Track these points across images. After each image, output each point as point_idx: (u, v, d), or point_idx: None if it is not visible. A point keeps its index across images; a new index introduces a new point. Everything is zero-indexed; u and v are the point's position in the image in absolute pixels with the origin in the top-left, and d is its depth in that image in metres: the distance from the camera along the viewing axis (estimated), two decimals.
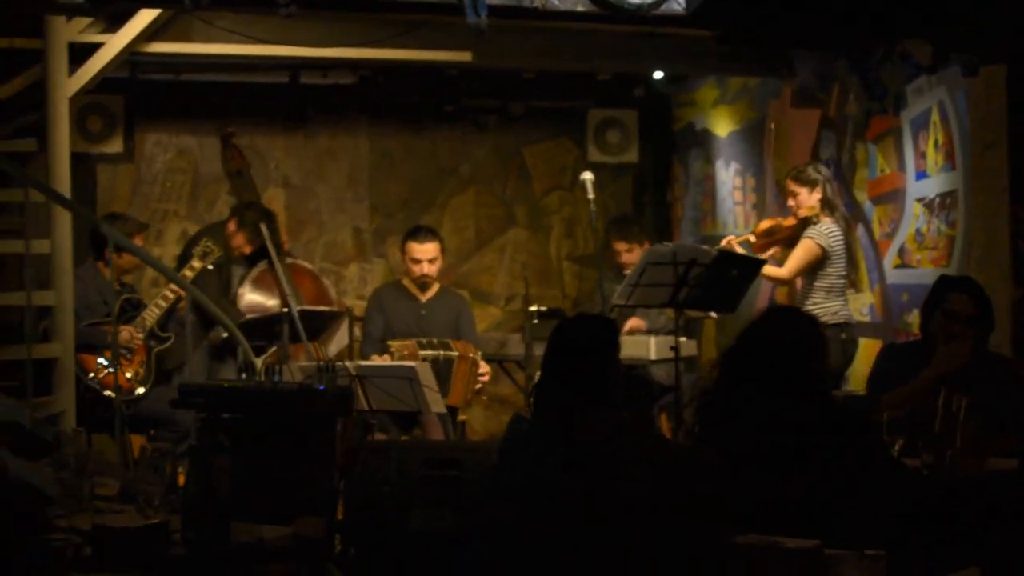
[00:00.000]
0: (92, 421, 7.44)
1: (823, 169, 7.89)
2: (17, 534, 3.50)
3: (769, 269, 7.76)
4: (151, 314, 8.02)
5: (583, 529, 4.42)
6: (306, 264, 9.59)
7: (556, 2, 6.54)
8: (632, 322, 8.92)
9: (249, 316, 8.03)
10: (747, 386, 4.36)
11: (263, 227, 8.17)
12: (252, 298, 8.69)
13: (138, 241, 8.19)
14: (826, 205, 7.73)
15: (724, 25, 7.18)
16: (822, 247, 7.58)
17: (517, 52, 8.85)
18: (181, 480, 4.60)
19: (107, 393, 7.55)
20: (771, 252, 7.99)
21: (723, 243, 7.87)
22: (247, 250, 8.81)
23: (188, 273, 8.04)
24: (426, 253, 8.50)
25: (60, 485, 4.24)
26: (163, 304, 8.04)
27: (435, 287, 8.64)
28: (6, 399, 6.73)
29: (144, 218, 9.58)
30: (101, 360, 7.74)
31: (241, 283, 8.87)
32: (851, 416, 4.42)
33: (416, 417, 7.79)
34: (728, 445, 4.26)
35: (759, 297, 9.24)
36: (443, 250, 8.67)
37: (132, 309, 8.04)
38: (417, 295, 8.59)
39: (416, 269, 8.51)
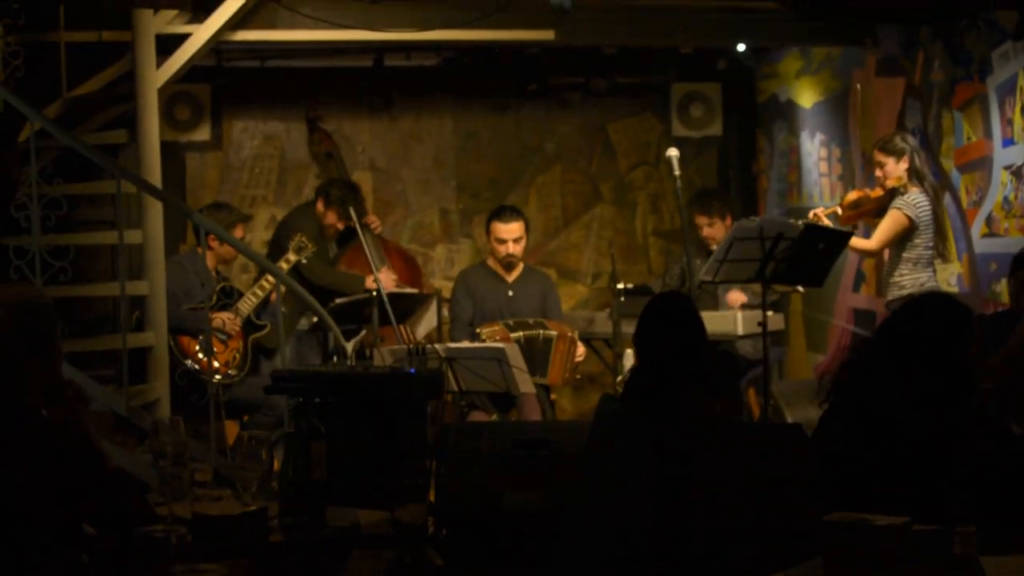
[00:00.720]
0: (187, 408, 7.57)
1: (910, 139, 7.83)
2: (122, 523, 3.58)
3: (856, 241, 7.73)
4: (248, 303, 8.14)
5: (673, 510, 4.45)
6: (396, 244, 9.69)
7: None
8: (734, 295, 8.85)
9: (338, 301, 8.11)
10: (889, 365, 4.33)
11: (347, 203, 8.28)
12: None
13: (239, 231, 8.31)
14: (914, 175, 7.68)
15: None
16: (910, 218, 7.53)
17: (599, 29, 8.88)
18: (276, 466, 4.66)
19: (204, 376, 7.68)
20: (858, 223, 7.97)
21: (810, 215, 7.85)
22: (340, 226, 8.93)
23: (283, 265, 8.15)
24: (511, 233, 8.54)
25: (159, 473, 4.30)
26: (260, 293, 8.16)
27: (520, 267, 8.69)
28: (103, 388, 6.88)
29: (232, 204, 9.68)
30: (200, 344, 7.87)
31: (336, 260, 8.99)
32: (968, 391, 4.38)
33: (514, 398, 7.84)
34: (854, 420, 4.25)
35: (845, 270, 9.20)
36: (528, 229, 8.71)
37: (227, 297, 8.16)
38: (503, 276, 8.64)
39: (501, 249, 8.55)
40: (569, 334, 8.33)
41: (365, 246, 8.27)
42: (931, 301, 4.70)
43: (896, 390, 4.20)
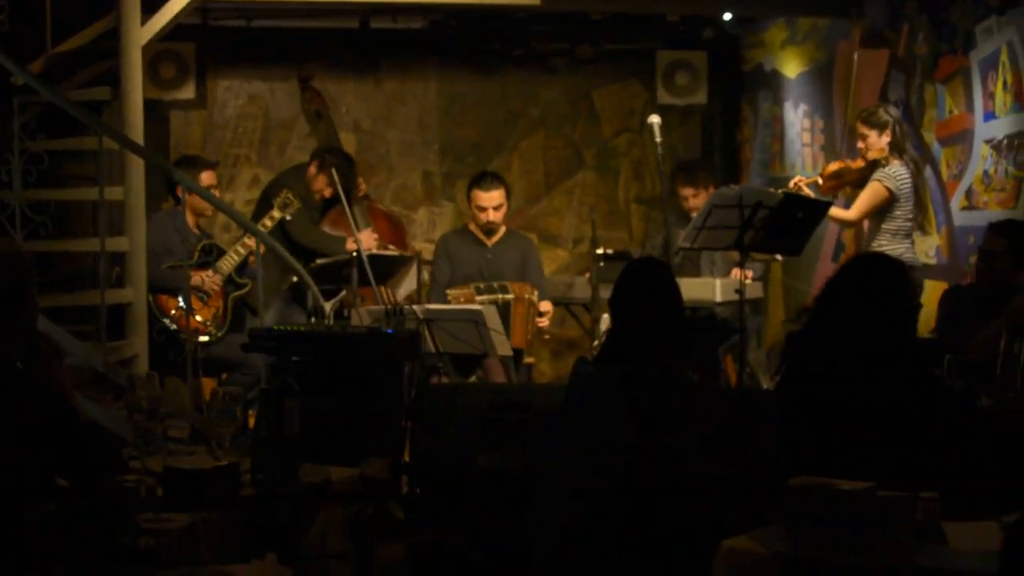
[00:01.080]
0: (165, 365, 7.58)
1: (893, 111, 7.85)
2: (93, 475, 3.61)
3: (836, 211, 7.76)
4: (229, 261, 8.14)
5: (645, 471, 4.49)
6: (382, 207, 9.69)
7: None
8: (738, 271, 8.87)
9: (319, 261, 8.13)
10: (833, 329, 4.38)
11: (334, 172, 8.25)
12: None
13: (207, 177, 8.30)
14: (895, 147, 7.70)
15: None
16: (890, 190, 7.56)
17: None
18: (251, 423, 4.69)
19: (181, 335, 7.70)
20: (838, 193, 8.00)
21: (791, 184, 7.87)
22: (327, 193, 8.92)
23: (268, 223, 8.16)
24: (491, 200, 8.55)
25: (133, 427, 4.34)
26: (241, 251, 8.16)
27: (501, 231, 8.69)
28: (81, 343, 6.88)
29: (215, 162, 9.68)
30: (180, 303, 7.88)
31: (318, 224, 9.00)
32: (924, 357, 4.45)
33: (478, 360, 7.86)
34: (811, 388, 4.30)
35: (826, 239, 9.23)
36: (509, 196, 8.71)
37: (209, 255, 8.16)
38: (483, 240, 8.65)
39: (482, 216, 8.57)
40: (527, 295, 8.35)
41: (351, 220, 8.27)
42: (863, 260, 4.78)
43: (840, 350, 4.26)
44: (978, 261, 6.04)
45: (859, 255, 5.39)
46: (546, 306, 8.50)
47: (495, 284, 8.36)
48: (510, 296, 8.28)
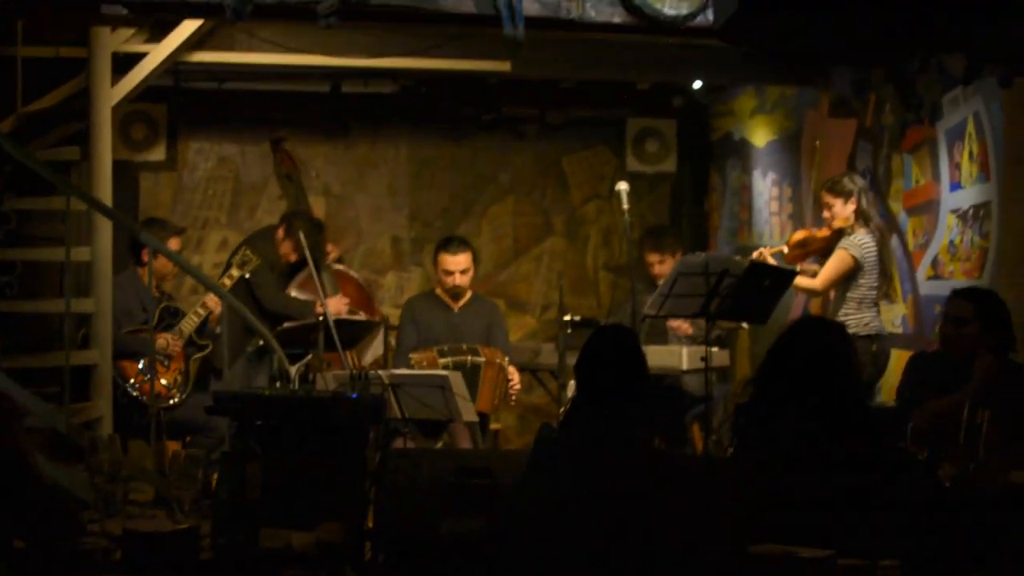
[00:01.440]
0: (130, 427, 7.55)
1: (858, 179, 7.89)
2: (49, 537, 3.58)
3: (801, 280, 7.79)
4: (189, 322, 8.12)
5: (608, 539, 4.47)
6: (352, 272, 9.68)
7: (592, 14, 6.58)
8: (676, 321, 8.86)
9: (286, 325, 8.11)
10: (779, 398, 4.40)
11: (301, 236, 8.24)
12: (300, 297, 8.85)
13: (175, 244, 8.30)
14: (860, 216, 7.74)
15: (756, 38, 7.22)
16: (855, 258, 7.59)
17: (555, 62, 8.89)
18: (214, 486, 4.66)
19: (145, 400, 7.66)
20: (805, 264, 8.02)
21: (755, 254, 7.90)
22: (293, 258, 8.91)
23: (227, 281, 8.14)
24: (458, 264, 8.56)
25: (95, 490, 4.31)
26: (201, 312, 8.15)
27: (467, 295, 8.70)
28: (44, 404, 6.84)
29: (185, 225, 9.66)
30: (141, 367, 7.85)
31: (286, 288, 8.97)
32: (880, 424, 4.46)
33: (444, 425, 7.84)
34: (762, 457, 4.31)
35: (793, 307, 9.26)
36: (476, 260, 8.73)
37: (171, 317, 8.14)
38: (449, 304, 8.65)
39: (448, 280, 8.57)
40: (498, 360, 8.33)
41: (318, 285, 8.26)
42: (799, 327, 4.80)
43: (787, 417, 4.27)
44: (944, 327, 6.06)
45: (796, 321, 5.41)
46: (515, 374, 8.49)
47: (463, 346, 8.35)
48: (480, 359, 8.27)
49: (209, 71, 9.46)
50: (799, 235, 8.02)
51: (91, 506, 4.40)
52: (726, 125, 10.76)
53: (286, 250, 8.92)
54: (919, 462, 4.78)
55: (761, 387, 4.56)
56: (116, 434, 4.77)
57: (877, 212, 7.90)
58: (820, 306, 8.44)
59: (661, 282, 8.46)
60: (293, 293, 8.91)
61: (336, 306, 8.42)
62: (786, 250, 7.97)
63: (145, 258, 7.84)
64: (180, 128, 10.42)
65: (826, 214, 7.83)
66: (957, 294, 6.10)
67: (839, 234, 7.72)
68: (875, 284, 7.65)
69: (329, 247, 9.50)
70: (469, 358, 8.24)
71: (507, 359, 8.45)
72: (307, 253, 8.06)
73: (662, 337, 8.97)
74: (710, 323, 7.37)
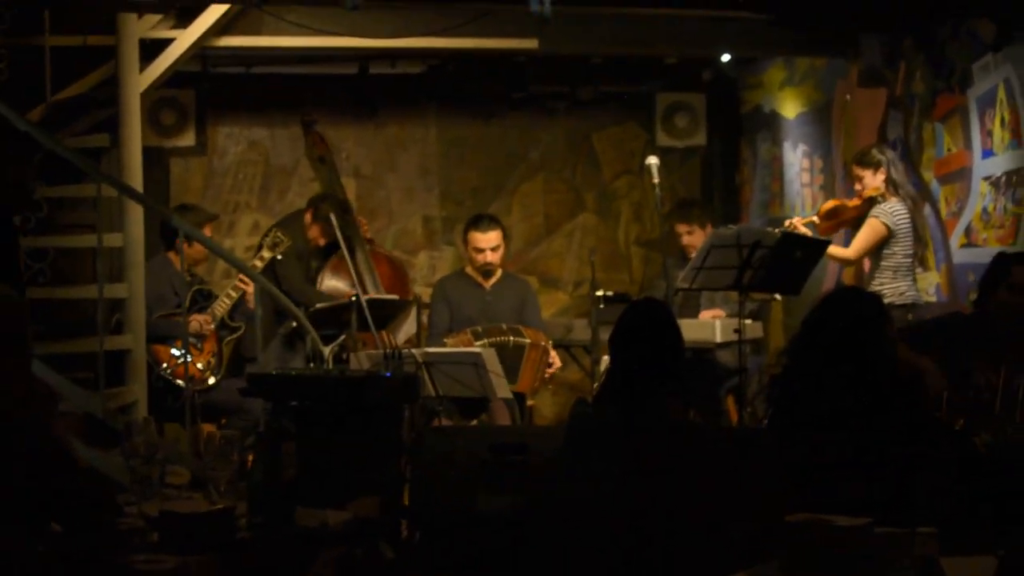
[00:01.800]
0: (164, 411, 7.58)
1: (887, 150, 7.86)
2: (87, 521, 3.60)
3: (834, 249, 7.77)
4: (221, 305, 8.15)
5: (643, 512, 4.47)
6: (385, 251, 9.69)
7: None
8: (709, 313, 8.86)
9: (319, 305, 8.12)
10: (813, 369, 4.39)
11: (333, 218, 8.23)
12: (331, 284, 8.82)
13: (208, 231, 8.32)
14: (891, 185, 7.71)
15: (785, 7, 7.20)
16: (887, 226, 7.56)
17: (583, 38, 8.89)
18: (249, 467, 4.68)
19: (179, 383, 7.69)
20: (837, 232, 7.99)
21: (787, 224, 7.88)
22: (321, 242, 8.92)
23: (257, 263, 8.16)
24: (488, 242, 8.55)
25: (131, 473, 4.32)
26: (233, 295, 8.17)
27: (498, 273, 8.70)
28: (79, 390, 6.87)
29: (216, 210, 9.70)
30: (174, 351, 7.88)
31: (319, 271, 8.99)
32: (914, 392, 4.44)
33: (483, 404, 7.84)
34: (797, 428, 4.30)
35: (826, 278, 9.23)
36: (506, 237, 8.73)
37: (203, 300, 8.16)
38: (481, 283, 8.65)
39: (479, 258, 8.56)
40: (543, 343, 8.32)
41: (351, 266, 8.27)
42: (836, 296, 4.78)
43: (822, 388, 4.25)
44: (1001, 293, 5.89)
45: (831, 291, 5.37)
46: (555, 356, 8.47)
47: (503, 326, 8.34)
48: (525, 340, 8.24)
49: (236, 55, 9.47)
50: (830, 204, 7.99)
51: (127, 489, 4.41)
52: (756, 98, 10.72)
53: (315, 234, 8.93)
54: (954, 430, 4.75)
55: (795, 358, 4.54)
56: (151, 417, 4.78)
57: (908, 180, 7.86)
58: (855, 276, 8.41)
59: (691, 254, 8.49)
60: (327, 277, 8.91)
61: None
62: (817, 220, 7.94)
63: (177, 243, 7.87)
64: (209, 113, 10.43)
65: (857, 186, 7.81)
66: (1022, 261, 5.94)
67: (871, 203, 7.69)
68: (910, 252, 7.62)
69: (361, 220, 9.51)
70: (511, 338, 8.23)
71: (550, 341, 8.43)
72: (338, 235, 8.05)
73: (695, 311, 8.96)
74: (743, 295, 7.34)
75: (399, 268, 9.54)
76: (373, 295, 8.45)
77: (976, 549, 3.59)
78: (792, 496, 4.05)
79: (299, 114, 9.80)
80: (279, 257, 8.35)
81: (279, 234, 8.33)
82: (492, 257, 8.56)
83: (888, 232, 7.56)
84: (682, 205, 9.53)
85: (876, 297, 4.67)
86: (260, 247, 8.39)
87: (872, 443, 4.11)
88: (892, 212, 7.58)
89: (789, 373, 4.56)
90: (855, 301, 4.59)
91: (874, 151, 7.78)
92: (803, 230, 7.79)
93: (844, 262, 8.15)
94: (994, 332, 5.67)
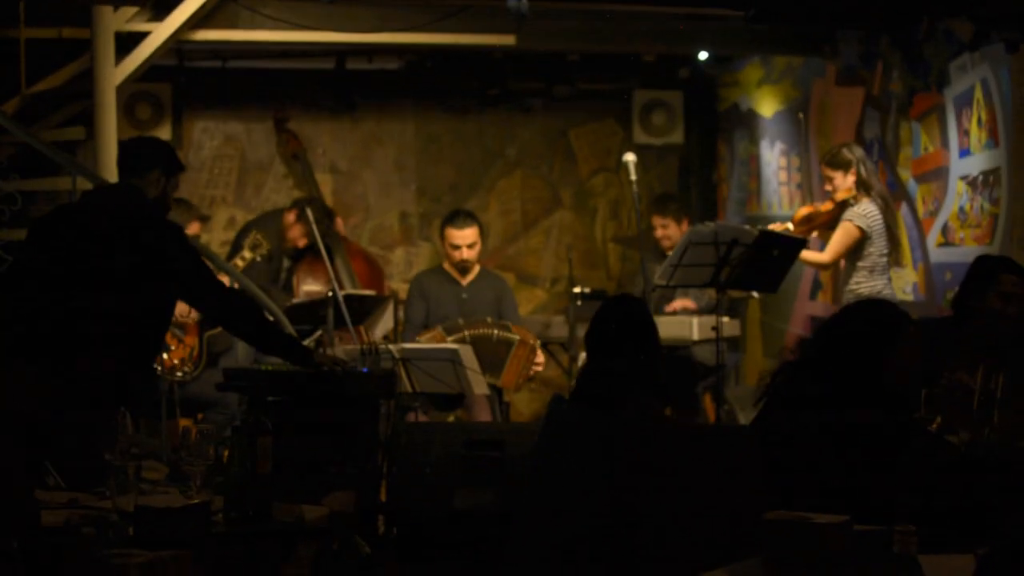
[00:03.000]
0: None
1: (856, 149, 7.84)
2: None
3: (809, 254, 7.76)
4: None
5: (619, 508, 4.46)
6: (360, 247, 9.68)
7: None
8: (679, 303, 8.91)
9: (295, 301, 8.11)
10: (816, 366, 4.38)
11: (313, 224, 8.21)
12: (308, 288, 8.83)
13: (195, 228, 8.30)
14: (861, 185, 7.70)
15: (762, 4, 7.20)
16: (861, 228, 7.56)
17: (560, 35, 8.88)
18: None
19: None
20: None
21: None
22: (301, 244, 8.92)
23: (239, 263, 8.15)
24: (465, 239, 8.54)
25: (107, 467, 4.30)
26: None
27: (475, 270, 8.68)
28: None
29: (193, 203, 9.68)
30: None
31: (292, 273, 8.97)
32: (893, 393, 4.43)
33: (460, 399, 7.83)
34: (785, 424, 4.29)
35: (803, 278, 9.25)
36: (483, 234, 8.72)
37: None
38: (458, 279, 8.63)
39: (455, 255, 8.55)
40: (531, 342, 8.31)
41: (328, 265, 8.25)
42: (865, 306, 4.76)
43: (825, 391, 4.24)
44: (991, 300, 5.85)
45: (861, 302, 5.32)
46: (541, 356, 8.45)
47: (488, 319, 8.32)
48: (515, 337, 8.22)
49: (213, 50, 9.45)
50: (804, 211, 7.99)
51: (102, 484, 4.39)
52: (733, 96, 10.74)
53: (295, 235, 8.94)
54: (931, 430, 4.74)
55: (806, 353, 4.52)
56: (126, 411, 4.76)
57: (879, 180, 7.86)
58: (831, 276, 8.42)
59: (666, 244, 8.52)
60: (303, 278, 8.92)
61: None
62: (792, 227, 7.94)
63: None
64: (185, 107, 10.40)
65: (828, 187, 7.80)
66: (1010, 269, 5.89)
67: (843, 206, 7.68)
68: (885, 251, 7.62)
69: (338, 220, 9.50)
70: (495, 332, 8.21)
71: (539, 341, 8.41)
72: (318, 240, 8.03)
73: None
74: (720, 293, 7.35)
75: (375, 265, 9.53)
76: (350, 290, 8.44)
77: (955, 547, 3.59)
78: (772, 493, 4.05)
79: (275, 109, 9.80)
80: (258, 259, 8.35)
81: (259, 236, 8.31)
82: (468, 254, 8.54)
83: (862, 235, 7.55)
84: (659, 199, 9.57)
85: (901, 313, 4.61)
86: (240, 247, 8.36)
87: (851, 440, 4.11)
88: (865, 215, 7.57)
89: (792, 366, 4.54)
90: (877, 312, 4.55)
91: (844, 151, 7.75)
92: None
93: (820, 267, 8.17)
94: (972, 334, 5.67)
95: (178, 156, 5.82)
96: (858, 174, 7.67)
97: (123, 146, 5.96)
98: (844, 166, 7.69)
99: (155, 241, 5.44)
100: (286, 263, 9.15)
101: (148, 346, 5.63)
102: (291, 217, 9.00)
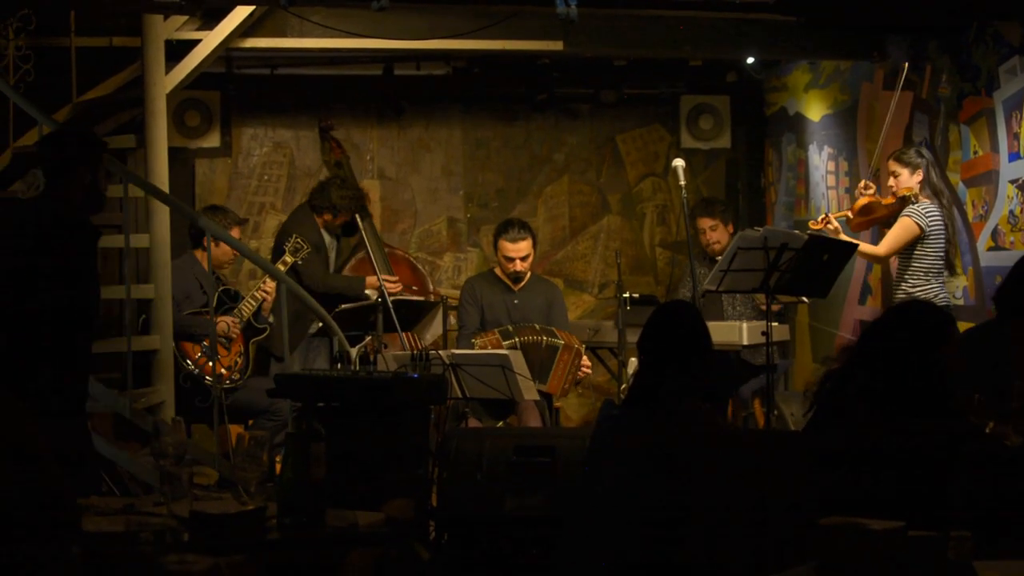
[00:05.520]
0: (191, 411, 7.59)
1: (926, 153, 7.85)
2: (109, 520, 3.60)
3: (865, 246, 7.76)
4: (248, 306, 8.16)
5: (671, 514, 4.46)
6: (402, 252, 9.70)
7: None
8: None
9: (344, 306, 8.13)
10: (865, 370, 4.36)
11: (334, 196, 8.29)
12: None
13: (235, 234, 8.33)
14: (928, 187, 7.69)
15: (811, 9, 7.18)
16: (919, 226, 7.54)
17: (608, 40, 8.87)
18: (278, 468, 4.69)
19: (207, 379, 7.70)
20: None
21: (820, 219, 7.88)
22: (337, 222, 8.98)
23: (281, 267, 8.17)
24: (519, 251, 8.54)
25: (159, 473, 4.33)
26: (259, 297, 8.18)
27: (527, 276, 8.67)
28: (107, 390, 6.89)
29: (241, 211, 9.74)
30: (203, 348, 7.89)
31: (340, 270, 9.01)
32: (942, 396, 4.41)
33: (511, 405, 7.84)
34: (837, 431, 4.28)
35: (852, 282, 9.21)
36: (535, 244, 8.70)
37: (230, 300, 8.17)
38: (509, 284, 8.63)
39: (509, 266, 8.55)
40: (576, 346, 8.32)
41: (366, 241, 8.28)
42: (909, 308, 4.74)
43: (874, 395, 4.23)
44: None
45: (903, 304, 5.29)
46: (587, 360, 8.47)
47: (536, 326, 8.33)
48: (559, 342, 8.24)
49: (261, 57, 9.48)
50: (864, 200, 7.94)
51: (156, 490, 4.43)
52: (780, 100, 10.70)
53: (328, 219, 8.97)
54: (986, 433, 4.71)
55: (853, 357, 4.50)
56: (180, 419, 4.80)
57: (944, 184, 7.84)
58: (881, 279, 8.38)
59: (715, 247, 8.52)
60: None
61: (390, 284, 8.44)
62: (851, 215, 7.92)
63: (205, 242, 7.90)
64: (234, 115, 10.44)
65: (891, 182, 7.78)
66: None
67: (904, 202, 7.67)
68: (941, 254, 7.59)
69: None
70: (544, 338, 8.22)
71: (583, 345, 8.42)
72: (345, 208, 8.02)
73: (718, 312, 8.96)
74: (770, 297, 7.33)
75: (418, 271, 9.55)
76: (397, 292, 8.46)
77: (1011, 553, 3.58)
78: (826, 498, 4.04)
79: (323, 116, 9.83)
80: (300, 262, 8.38)
81: (299, 240, 8.35)
82: (522, 266, 8.54)
83: (921, 232, 7.53)
84: (705, 201, 9.55)
85: (946, 315, 4.59)
86: (282, 252, 8.40)
87: (906, 445, 4.09)
88: (926, 212, 7.56)
89: (841, 372, 4.52)
90: (924, 317, 4.53)
91: (913, 152, 7.78)
92: (835, 224, 7.81)
93: (874, 259, 8.14)
94: None
95: (95, 136, 5.85)
96: (926, 176, 7.66)
97: (44, 150, 6.02)
98: (913, 166, 7.68)
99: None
100: (332, 255, 9.17)
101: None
102: (312, 213, 9.06)
